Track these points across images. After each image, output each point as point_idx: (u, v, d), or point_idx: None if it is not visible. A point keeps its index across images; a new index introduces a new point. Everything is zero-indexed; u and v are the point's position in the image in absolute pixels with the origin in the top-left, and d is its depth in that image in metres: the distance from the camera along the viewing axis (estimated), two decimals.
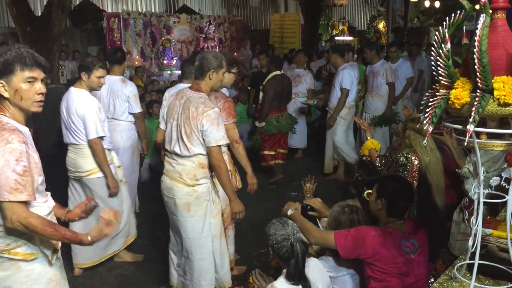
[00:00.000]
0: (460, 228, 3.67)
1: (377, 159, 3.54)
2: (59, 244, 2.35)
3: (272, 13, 17.07)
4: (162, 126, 3.51)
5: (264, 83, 6.39)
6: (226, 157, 3.82)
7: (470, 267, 2.23)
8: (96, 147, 3.86)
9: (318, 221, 3.21)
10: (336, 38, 16.99)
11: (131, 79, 9.58)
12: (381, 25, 18.96)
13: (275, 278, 2.56)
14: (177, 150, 3.26)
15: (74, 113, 3.85)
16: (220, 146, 3.19)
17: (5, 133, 2.05)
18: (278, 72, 6.35)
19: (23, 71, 2.09)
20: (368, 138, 3.94)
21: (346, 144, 6.51)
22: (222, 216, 3.83)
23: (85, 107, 3.85)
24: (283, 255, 2.43)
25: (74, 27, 12.53)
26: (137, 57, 10.85)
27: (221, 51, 12.35)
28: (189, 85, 4.18)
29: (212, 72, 3.22)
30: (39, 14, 8.98)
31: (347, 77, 6.25)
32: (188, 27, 11.75)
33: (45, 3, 8.80)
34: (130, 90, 4.83)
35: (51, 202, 2.36)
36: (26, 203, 2.10)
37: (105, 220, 2.29)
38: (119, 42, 10.64)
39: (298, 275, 2.39)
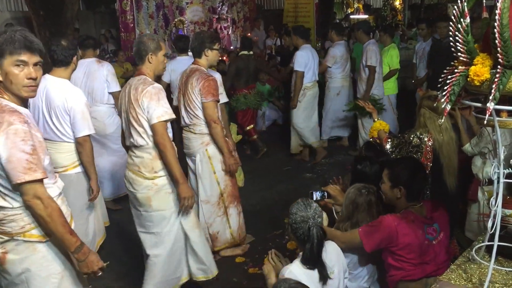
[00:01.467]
0: (480, 208, 3.59)
1: (388, 140, 3.45)
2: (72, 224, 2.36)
3: None
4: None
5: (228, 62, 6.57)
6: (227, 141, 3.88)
7: (489, 248, 2.18)
8: (86, 145, 3.54)
9: (334, 211, 3.16)
10: (351, 16, 16.71)
11: None
12: (397, 2, 18.55)
13: (291, 260, 2.54)
14: (133, 141, 3.10)
15: (60, 106, 3.46)
16: (164, 122, 3.00)
17: (5, 115, 2.04)
18: (245, 52, 6.40)
19: (12, 55, 2.06)
20: (375, 120, 3.82)
21: (305, 126, 6.38)
22: (222, 196, 3.94)
23: (75, 101, 3.48)
24: (299, 236, 2.40)
25: (87, 10, 12.49)
26: None
27: (235, 31, 12.26)
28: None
29: (151, 55, 3.09)
30: None
31: (300, 59, 6.11)
32: (201, 8, 11.63)
33: None
34: (107, 69, 4.75)
35: (60, 183, 2.36)
36: (42, 182, 2.10)
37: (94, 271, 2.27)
38: (132, 24, 10.58)
39: (313, 260, 2.36)
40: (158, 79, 4.10)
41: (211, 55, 3.85)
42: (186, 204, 3.13)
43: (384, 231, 2.55)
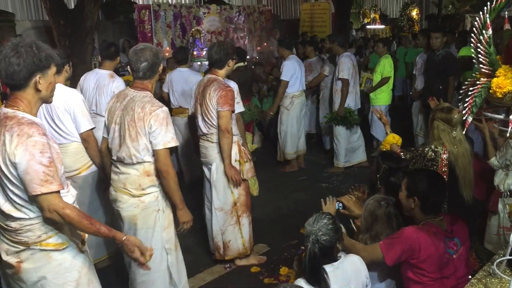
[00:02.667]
0: (500, 220, 3.53)
1: (401, 154, 3.41)
2: (86, 235, 2.39)
3: (302, 2, 16.87)
4: (104, 134, 3.18)
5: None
6: (236, 147, 3.87)
7: (510, 263, 2.15)
8: (90, 140, 3.67)
9: (352, 223, 3.12)
10: (368, 26, 16.70)
11: (163, 70, 9.65)
12: (414, 13, 18.51)
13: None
14: (120, 157, 3.00)
15: (61, 108, 3.56)
16: (168, 149, 2.94)
17: (24, 127, 2.07)
18: (241, 64, 6.37)
19: (54, 66, 2.20)
20: (388, 132, 3.75)
21: (289, 132, 6.49)
22: (235, 205, 3.95)
23: (74, 100, 3.62)
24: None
25: (106, 20, 12.66)
26: (168, 48, 10.91)
27: (251, 41, 12.32)
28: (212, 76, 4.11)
29: (159, 68, 3.08)
30: (72, 7, 9.14)
31: (287, 68, 6.26)
32: (217, 17, 11.72)
33: None
34: (116, 86, 4.52)
35: (73, 191, 2.39)
36: (58, 193, 2.13)
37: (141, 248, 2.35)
38: (149, 34, 10.71)
39: (310, 276, 2.31)
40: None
41: (231, 65, 3.94)
42: (185, 227, 3.14)
43: (406, 243, 2.51)
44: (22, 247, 2.20)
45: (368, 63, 9.26)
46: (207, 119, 3.81)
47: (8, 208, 2.15)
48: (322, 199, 3.01)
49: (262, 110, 7.87)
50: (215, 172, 3.91)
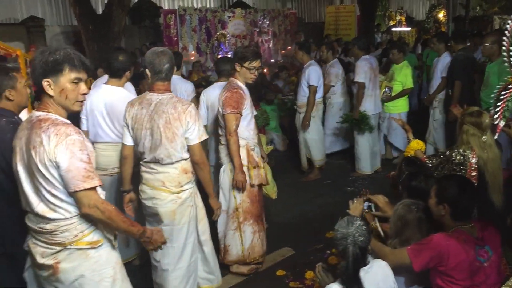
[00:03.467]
0: None
1: (427, 160, 3.36)
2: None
3: (327, 5, 16.83)
4: (127, 141, 3.22)
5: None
6: (244, 151, 3.81)
7: None
8: None
9: (379, 227, 3.09)
10: (393, 29, 16.53)
11: (189, 74, 9.77)
12: (441, 15, 18.24)
13: (334, 276, 2.51)
14: (158, 158, 3.10)
15: (123, 112, 3.63)
16: (202, 142, 3.15)
17: (61, 127, 2.12)
18: None
19: (71, 72, 2.18)
20: (411, 139, 3.74)
21: (318, 139, 6.29)
22: (237, 210, 3.88)
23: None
24: (339, 253, 2.37)
25: (132, 24, 12.87)
26: (193, 52, 11.01)
27: (275, 44, 12.34)
28: (223, 83, 4.19)
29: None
30: (100, 12, 9.32)
31: (314, 73, 6.01)
32: (242, 21, 11.79)
33: (106, 2, 9.10)
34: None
35: (101, 190, 2.41)
36: (95, 189, 2.19)
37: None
38: (175, 38, 10.84)
39: (348, 279, 2.30)
40: None
41: (242, 71, 3.83)
42: (218, 214, 3.45)
43: (434, 249, 2.48)
44: (58, 248, 2.24)
45: (426, 60, 9.11)
46: (219, 122, 3.89)
47: (42, 209, 2.19)
48: (350, 200, 3.02)
49: (282, 115, 7.88)
50: (223, 173, 3.92)
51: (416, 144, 3.61)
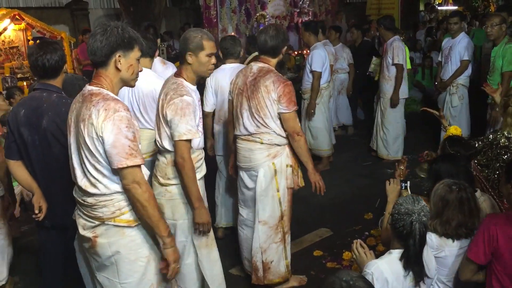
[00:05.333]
0: None
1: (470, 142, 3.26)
2: None
3: None
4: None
5: (245, 63, 5.75)
6: (287, 149, 3.38)
7: None
8: None
9: None
10: (439, 8, 15.96)
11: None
12: None
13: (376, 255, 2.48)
14: (158, 142, 2.93)
15: (149, 95, 3.55)
16: (186, 141, 2.72)
17: (110, 103, 2.16)
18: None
19: (138, 50, 2.30)
20: (447, 126, 3.69)
21: (323, 127, 5.96)
22: (282, 218, 3.39)
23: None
24: (397, 229, 2.31)
25: (173, 6, 12.95)
26: (232, 33, 10.99)
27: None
28: (235, 64, 4.06)
29: (190, 54, 2.80)
30: None
31: (317, 58, 5.66)
32: (282, 2, 11.63)
33: None
34: (173, 71, 4.00)
35: (146, 171, 2.43)
36: (140, 167, 2.22)
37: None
38: (215, 20, 10.82)
39: (414, 257, 2.28)
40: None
41: (283, 54, 3.49)
42: (201, 230, 2.85)
43: (483, 232, 2.39)
44: (97, 222, 2.30)
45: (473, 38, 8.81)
46: (257, 116, 3.28)
47: (85, 184, 2.25)
48: (386, 180, 2.99)
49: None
50: (263, 179, 3.34)
51: (454, 130, 3.54)
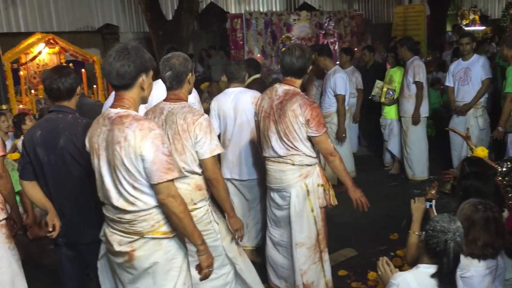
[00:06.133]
0: None
1: (496, 166, 3.23)
2: None
3: (395, 6, 16.43)
4: None
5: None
6: (317, 169, 3.40)
7: None
8: None
9: None
10: (466, 28, 15.87)
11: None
12: None
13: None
14: None
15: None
16: (215, 157, 2.83)
17: (144, 122, 2.25)
18: (257, 76, 5.54)
19: (152, 69, 2.40)
20: (473, 148, 3.67)
21: (348, 153, 5.94)
22: (318, 237, 3.41)
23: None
24: (430, 245, 2.31)
25: (200, 29, 13.24)
26: (258, 55, 11.15)
27: (341, 46, 12.23)
28: (238, 88, 4.10)
29: (191, 75, 2.88)
30: (170, 18, 9.69)
31: (340, 81, 5.71)
32: (308, 24, 11.78)
33: (175, 8, 9.45)
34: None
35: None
36: (173, 181, 2.31)
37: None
38: (241, 42, 11.02)
39: (448, 277, 2.28)
40: None
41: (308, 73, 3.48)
42: (238, 235, 3.05)
43: None
44: (136, 237, 2.35)
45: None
46: (286, 140, 3.28)
47: (122, 204, 2.30)
48: (412, 199, 2.99)
49: None
50: (296, 200, 3.34)
51: (481, 152, 3.53)
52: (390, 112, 6.48)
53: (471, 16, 18.02)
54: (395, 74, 6.46)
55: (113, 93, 3.42)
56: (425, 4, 13.90)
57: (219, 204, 3.02)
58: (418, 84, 5.89)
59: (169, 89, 2.88)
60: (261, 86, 5.38)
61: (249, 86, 5.41)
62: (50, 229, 2.86)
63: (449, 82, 6.02)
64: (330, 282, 3.53)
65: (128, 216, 2.33)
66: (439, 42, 13.16)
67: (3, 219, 3.08)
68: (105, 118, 2.34)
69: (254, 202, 4.18)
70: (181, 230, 2.37)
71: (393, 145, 6.55)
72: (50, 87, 2.88)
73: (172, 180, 2.27)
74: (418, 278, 2.32)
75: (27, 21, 11.18)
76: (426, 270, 2.34)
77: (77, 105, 3.03)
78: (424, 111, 6.06)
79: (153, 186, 2.26)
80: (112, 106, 2.36)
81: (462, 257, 2.60)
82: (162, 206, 2.30)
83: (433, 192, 3.24)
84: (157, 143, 2.22)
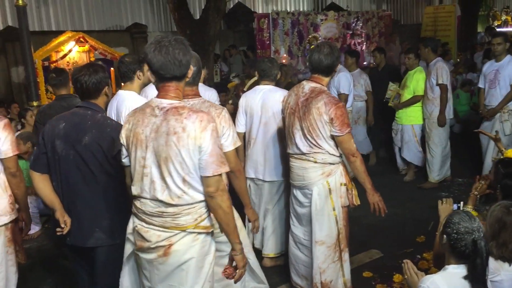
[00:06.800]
0: None
1: None
2: None
3: (425, 6, 16.18)
4: None
5: (245, 88, 5.72)
6: (340, 168, 3.36)
7: None
8: None
9: None
10: (498, 29, 15.51)
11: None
12: None
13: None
14: None
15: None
16: (236, 149, 2.89)
17: (203, 115, 2.21)
18: (257, 78, 5.67)
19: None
20: (503, 150, 3.61)
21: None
22: (339, 237, 3.38)
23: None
24: (457, 249, 2.25)
25: (227, 29, 13.28)
26: (285, 55, 11.14)
27: (368, 46, 12.11)
28: (268, 86, 4.05)
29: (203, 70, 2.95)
30: (198, 17, 9.75)
31: (345, 80, 5.72)
32: (335, 24, 11.71)
33: (203, 7, 9.50)
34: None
35: None
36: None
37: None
38: (268, 42, 11.03)
39: (481, 276, 2.23)
40: None
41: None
42: (256, 225, 3.16)
43: None
44: (176, 231, 2.28)
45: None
46: (310, 137, 3.27)
47: (167, 197, 2.25)
48: (439, 200, 2.94)
49: None
50: (318, 198, 3.33)
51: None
52: (402, 117, 6.25)
53: (503, 17, 17.62)
54: (409, 77, 6.15)
55: (120, 91, 3.49)
56: (456, 4, 13.66)
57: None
58: (442, 87, 5.73)
59: (189, 84, 2.85)
60: None
61: (251, 87, 5.30)
62: (63, 225, 2.75)
63: (481, 84, 5.81)
64: (349, 282, 3.48)
65: (171, 210, 2.26)
66: (470, 43, 12.88)
67: (9, 222, 3.01)
68: (154, 108, 2.26)
69: (271, 204, 4.13)
70: (224, 226, 2.33)
71: (406, 152, 6.33)
72: (76, 82, 2.84)
73: (221, 175, 2.26)
74: (447, 280, 2.26)
75: (58, 19, 11.39)
76: (454, 271, 2.29)
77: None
78: (448, 113, 5.91)
79: (204, 180, 2.24)
80: (161, 97, 2.26)
81: (491, 260, 2.53)
82: (210, 200, 2.27)
83: (483, 182, 3.16)
84: (215, 135, 2.21)
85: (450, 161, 6.22)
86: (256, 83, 4.64)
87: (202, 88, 4.43)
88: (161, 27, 13.03)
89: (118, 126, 2.55)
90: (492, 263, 2.54)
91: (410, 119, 6.18)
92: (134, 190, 2.33)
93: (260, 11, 14.24)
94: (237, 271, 2.41)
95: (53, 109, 3.80)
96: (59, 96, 4.23)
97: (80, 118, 2.81)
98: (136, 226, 2.38)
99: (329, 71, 3.31)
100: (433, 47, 5.90)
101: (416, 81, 6.03)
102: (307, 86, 3.34)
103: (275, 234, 4.15)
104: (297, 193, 3.48)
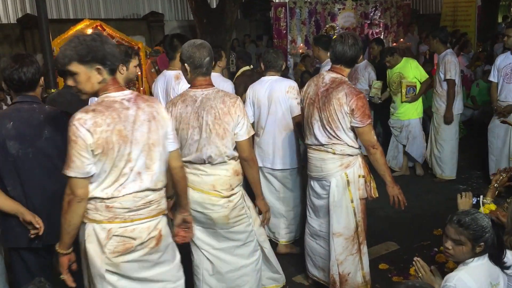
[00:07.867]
0: None
1: None
2: None
3: None
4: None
5: (233, 80, 5.59)
6: (359, 160, 3.31)
7: None
8: None
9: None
10: None
11: (295, 66, 9.85)
12: None
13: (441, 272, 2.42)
14: (206, 158, 2.87)
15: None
16: (250, 138, 2.94)
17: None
18: (247, 67, 5.52)
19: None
20: None
21: None
22: (357, 229, 3.35)
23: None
24: (479, 246, 2.29)
25: (244, 18, 13.23)
26: (302, 45, 11.06)
27: (386, 36, 11.96)
28: (274, 77, 4.07)
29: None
30: (214, 6, 9.72)
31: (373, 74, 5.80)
32: (353, 13, 11.58)
33: None
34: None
35: None
36: None
37: None
38: (284, 31, 10.96)
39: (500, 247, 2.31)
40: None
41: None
42: (267, 217, 3.17)
43: None
44: (161, 217, 2.37)
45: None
46: (329, 128, 3.23)
47: (154, 184, 2.31)
48: (458, 194, 2.95)
49: None
50: (336, 189, 3.29)
51: None
52: (407, 112, 5.93)
53: None
54: (404, 70, 5.85)
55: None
56: None
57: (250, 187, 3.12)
58: (450, 82, 5.51)
59: (203, 74, 2.88)
60: (249, 78, 5.18)
61: (238, 78, 5.45)
62: (37, 226, 2.56)
63: (493, 77, 5.35)
64: (368, 275, 3.45)
65: (157, 196, 2.32)
66: (490, 34, 12.65)
67: None
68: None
69: (284, 192, 4.16)
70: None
71: (414, 148, 6.07)
72: (10, 77, 2.61)
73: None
74: (472, 274, 2.26)
75: (76, 8, 11.47)
76: (476, 263, 2.30)
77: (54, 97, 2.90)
78: (457, 108, 5.71)
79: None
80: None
81: (509, 254, 2.51)
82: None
83: (504, 175, 3.13)
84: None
85: (468, 154, 6.11)
86: (244, 73, 4.94)
87: (219, 78, 4.55)
88: (178, 15, 13.05)
89: (66, 116, 2.43)
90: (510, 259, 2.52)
91: (417, 112, 5.95)
92: (106, 193, 2.19)
93: (277, 0, 14.14)
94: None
95: (63, 97, 3.68)
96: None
97: (28, 113, 2.63)
98: (121, 229, 2.23)
99: (352, 62, 3.29)
100: (442, 38, 5.63)
101: (415, 68, 5.84)
102: (328, 76, 3.30)
103: (287, 221, 4.21)
104: (315, 184, 3.45)
